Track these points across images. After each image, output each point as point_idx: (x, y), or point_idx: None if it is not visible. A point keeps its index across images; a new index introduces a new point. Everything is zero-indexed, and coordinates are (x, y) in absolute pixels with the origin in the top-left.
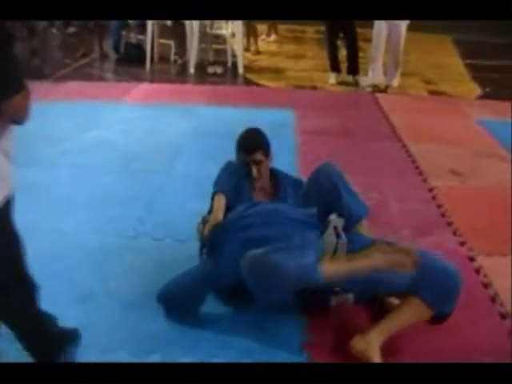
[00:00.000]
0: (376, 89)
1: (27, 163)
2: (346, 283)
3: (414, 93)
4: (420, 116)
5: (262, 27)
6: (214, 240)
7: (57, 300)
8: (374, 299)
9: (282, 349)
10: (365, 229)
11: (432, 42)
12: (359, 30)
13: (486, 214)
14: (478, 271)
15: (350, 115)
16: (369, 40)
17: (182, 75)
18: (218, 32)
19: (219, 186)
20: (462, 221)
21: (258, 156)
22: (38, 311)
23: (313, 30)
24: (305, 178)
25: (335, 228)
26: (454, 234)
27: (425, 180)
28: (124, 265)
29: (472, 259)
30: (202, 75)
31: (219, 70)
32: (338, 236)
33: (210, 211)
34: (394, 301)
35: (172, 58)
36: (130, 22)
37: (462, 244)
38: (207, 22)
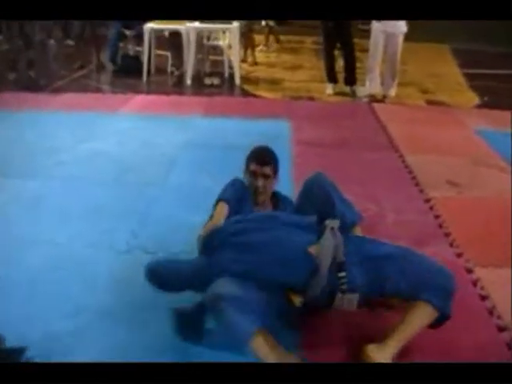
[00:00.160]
0: (373, 99)
1: (23, 174)
2: (353, 283)
3: (411, 103)
4: (417, 126)
5: (259, 38)
6: (208, 241)
7: (49, 312)
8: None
9: None
10: (359, 235)
11: (429, 51)
12: (356, 40)
13: (484, 225)
14: (475, 283)
15: (346, 126)
16: (366, 50)
17: (178, 86)
18: (215, 43)
19: (224, 195)
20: (459, 232)
21: (268, 170)
22: None
23: (310, 41)
24: (299, 190)
25: (332, 229)
26: (451, 245)
27: (422, 191)
28: (116, 278)
29: (469, 271)
30: (199, 86)
31: (216, 81)
32: (335, 236)
33: (211, 218)
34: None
35: (169, 69)
36: (127, 33)
37: (459, 255)
38: (204, 33)
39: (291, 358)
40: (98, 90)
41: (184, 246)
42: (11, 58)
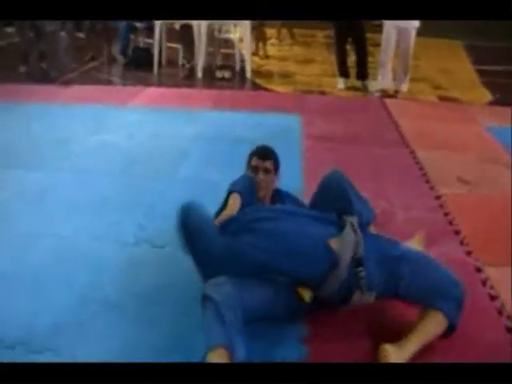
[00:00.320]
0: (385, 94)
1: (31, 166)
2: (371, 280)
3: (423, 98)
4: (429, 122)
5: (270, 31)
6: (226, 227)
7: (55, 305)
8: None
9: (282, 343)
10: (373, 233)
11: (443, 47)
12: (368, 34)
13: (495, 222)
14: (484, 282)
15: (357, 120)
16: (378, 45)
17: (189, 79)
18: (226, 36)
19: (236, 187)
20: (470, 229)
21: (269, 164)
22: None
23: (322, 35)
24: (309, 184)
25: (352, 225)
26: (461, 243)
27: (432, 188)
28: (123, 272)
29: (479, 270)
30: (210, 79)
31: (227, 74)
32: (355, 232)
33: (222, 208)
34: None
35: (180, 62)
36: (138, 25)
37: (469, 253)
38: (215, 26)
39: None
40: (109, 83)
41: None
42: (22, 50)
